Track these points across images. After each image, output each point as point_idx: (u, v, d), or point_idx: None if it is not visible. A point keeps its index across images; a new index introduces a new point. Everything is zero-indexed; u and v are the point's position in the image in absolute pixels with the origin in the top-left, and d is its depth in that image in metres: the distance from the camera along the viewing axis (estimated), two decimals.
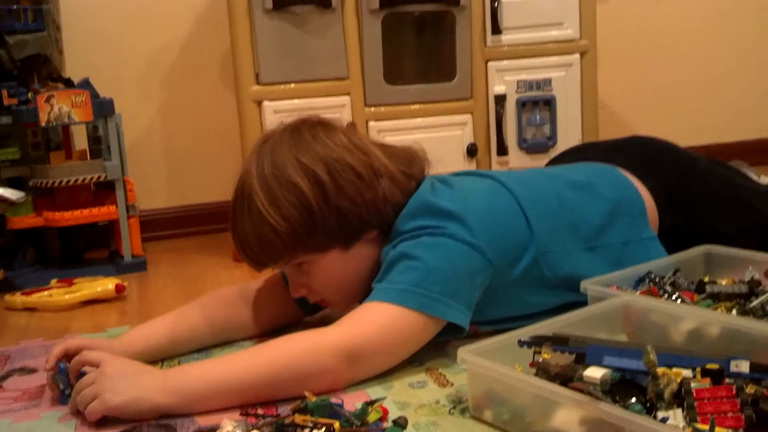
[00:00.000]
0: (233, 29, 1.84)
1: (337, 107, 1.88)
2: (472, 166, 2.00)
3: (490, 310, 1.16)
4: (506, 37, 1.99)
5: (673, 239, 1.30)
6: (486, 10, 1.97)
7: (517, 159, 2.02)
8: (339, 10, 1.87)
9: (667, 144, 1.43)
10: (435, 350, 1.11)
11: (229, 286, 1.31)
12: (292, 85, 1.85)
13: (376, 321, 1.04)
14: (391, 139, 1.85)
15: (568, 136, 2.02)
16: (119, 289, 1.63)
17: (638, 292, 1.13)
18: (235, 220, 1.12)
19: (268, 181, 1.09)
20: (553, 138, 2.02)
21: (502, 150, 2.01)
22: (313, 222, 1.09)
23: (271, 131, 1.18)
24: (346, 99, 1.90)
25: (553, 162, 1.54)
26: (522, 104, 2.01)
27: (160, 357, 1.19)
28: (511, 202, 1.19)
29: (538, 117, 2.02)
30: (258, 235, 1.09)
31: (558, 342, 0.92)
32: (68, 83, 1.89)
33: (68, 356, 1.08)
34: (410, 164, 1.19)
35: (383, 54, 1.91)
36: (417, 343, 1.07)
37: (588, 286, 1.12)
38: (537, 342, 0.93)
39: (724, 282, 1.16)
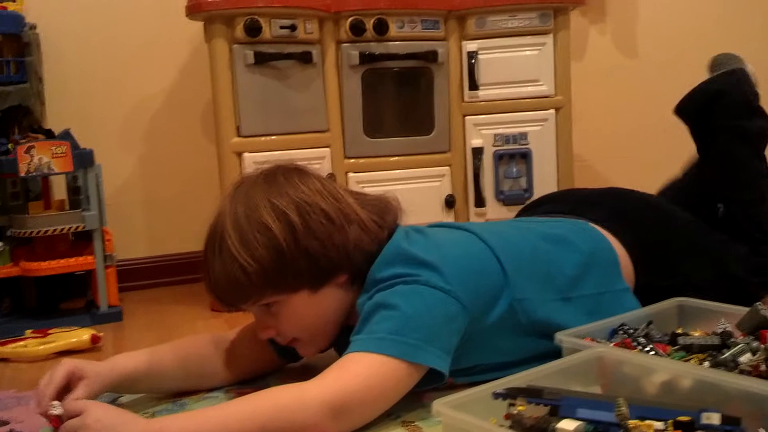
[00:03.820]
0: (215, 83, 1.87)
1: (317, 159, 1.90)
2: (450, 218, 2.03)
3: (468, 358, 1.16)
4: (483, 93, 2.04)
5: (648, 294, 1.32)
6: (463, 67, 2.02)
7: (494, 211, 2.05)
8: (320, 65, 1.91)
9: (642, 197, 1.46)
10: (411, 402, 1.11)
11: (203, 334, 1.31)
12: (273, 137, 1.87)
13: (358, 372, 1.03)
14: (370, 191, 1.88)
15: (544, 188, 2.05)
16: (94, 340, 1.61)
17: (612, 344, 1.14)
18: (206, 260, 1.13)
19: (240, 221, 1.10)
20: (529, 190, 2.05)
21: (480, 202, 2.04)
22: (283, 263, 1.09)
23: (246, 175, 1.20)
24: (326, 151, 1.93)
25: (526, 210, 1.57)
26: (499, 157, 2.04)
27: (141, 385, 1.19)
28: (486, 250, 1.20)
29: (514, 170, 2.05)
30: (228, 275, 1.10)
31: (532, 394, 0.92)
32: (49, 134, 1.91)
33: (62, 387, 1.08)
34: (383, 213, 1.20)
35: (363, 108, 1.95)
36: (400, 391, 1.07)
37: (562, 337, 1.13)
38: (512, 394, 0.93)
39: (696, 334, 1.17)
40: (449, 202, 2.02)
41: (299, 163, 1.21)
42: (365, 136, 1.96)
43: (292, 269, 1.10)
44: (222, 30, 1.84)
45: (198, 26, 1.95)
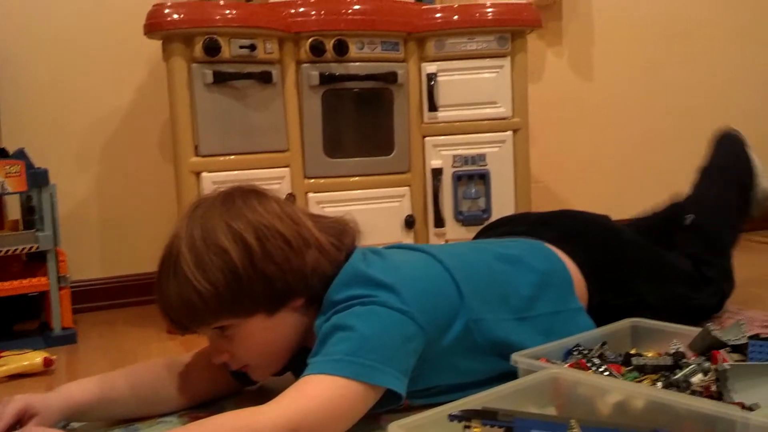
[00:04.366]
0: (173, 102, 1.86)
1: (276, 179, 1.90)
2: (410, 238, 2.03)
3: (425, 379, 1.16)
4: (442, 114, 2.05)
5: (602, 313, 1.34)
6: (423, 88, 2.03)
7: (453, 231, 2.06)
8: (279, 85, 1.91)
9: (593, 218, 1.49)
10: (368, 424, 1.11)
11: (156, 359, 1.29)
12: (232, 157, 1.86)
13: (314, 394, 1.03)
14: (330, 211, 1.89)
15: (503, 209, 2.07)
16: (47, 363, 1.58)
17: (567, 365, 1.15)
18: (161, 283, 1.11)
19: (196, 244, 1.09)
20: (487, 211, 2.07)
21: (439, 222, 2.05)
22: (239, 286, 1.09)
23: (203, 197, 1.19)
24: (285, 171, 1.92)
25: (484, 231, 1.58)
26: (458, 178, 2.06)
27: (93, 414, 1.17)
28: (442, 271, 1.21)
29: (473, 190, 2.07)
30: (183, 297, 1.09)
31: (487, 416, 0.93)
32: (3, 153, 1.87)
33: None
34: (341, 235, 1.20)
35: (323, 128, 1.95)
36: (357, 413, 1.06)
37: (518, 358, 1.14)
38: (467, 416, 0.94)
39: (649, 354, 1.19)
40: (409, 223, 2.03)
41: (257, 185, 1.21)
42: (325, 157, 1.96)
43: (248, 293, 1.10)
44: (180, 49, 1.83)
45: (156, 45, 1.94)
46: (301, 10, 1.92)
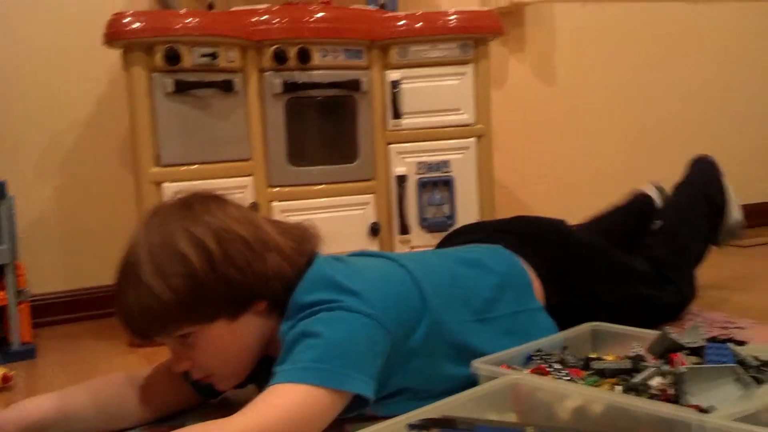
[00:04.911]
0: (134, 111, 1.84)
1: (239, 188, 1.88)
2: (375, 245, 2.03)
3: (391, 383, 1.16)
4: (406, 121, 2.06)
5: (560, 314, 1.35)
6: (386, 96, 2.04)
7: (418, 238, 2.07)
8: (242, 94, 1.90)
9: (548, 222, 1.51)
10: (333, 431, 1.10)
11: (117, 372, 1.27)
12: (194, 167, 1.85)
13: (282, 403, 1.02)
14: (294, 220, 1.87)
15: (467, 215, 2.08)
16: (5, 379, 1.55)
17: (528, 370, 1.15)
18: (120, 292, 1.10)
19: (155, 250, 1.08)
20: (452, 217, 2.08)
21: (404, 229, 2.05)
22: (200, 292, 1.07)
23: (161, 204, 1.18)
24: (248, 180, 1.91)
25: (445, 240, 1.60)
26: (422, 185, 2.06)
27: (52, 430, 1.14)
28: (405, 276, 1.22)
29: (437, 197, 2.07)
30: (143, 306, 1.07)
31: (446, 424, 0.93)
32: None
33: None
34: (302, 241, 1.20)
35: (286, 136, 1.94)
36: (325, 420, 1.05)
37: (478, 365, 1.14)
38: (425, 425, 0.93)
39: (609, 358, 1.20)
40: (374, 230, 2.03)
41: (217, 191, 1.20)
42: (289, 165, 1.95)
43: (209, 298, 1.09)
44: (141, 58, 1.81)
45: (116, 55, 1.92)
46: (264, 18, 1.91)
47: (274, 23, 1.91)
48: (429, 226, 2.07)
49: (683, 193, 1.84)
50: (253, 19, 1.91)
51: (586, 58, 2.69)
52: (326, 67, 1.96)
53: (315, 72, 1.95)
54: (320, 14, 1.95)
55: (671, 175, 1.93)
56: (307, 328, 1.08)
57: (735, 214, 1.84)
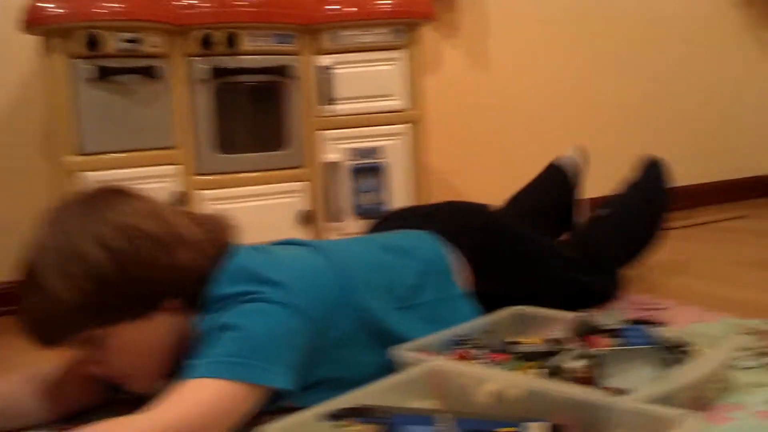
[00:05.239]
0: (53, 99, 1.77)
1: (165, 177, 1.84)
2: (307, 233, 2.01)
3: (315, 372, 1.15)
4: (338, 107, 2.03)
5: (490, 301, 1.35)
6: (318, 81, 2.01)
7: (350, 225, 2.05)
8: (167, 80, 1.85)
9: (476, 207, 1.51)
10: (250, 425, 1.08)
11: (17, 372, 1.22)
12: (117, 155, 1.80)
13: (194, 399, 1.00)
14: (224, 208, 1.85)
15: (400, 201, 2.07)
16: None
17: (450, 356, 1.15)
18: (22, 297, 1.06)
19: (56, 252, 1.04)
20: (385, 204, 2.07)
21: (337, 216, 2.04)
22: (106, 293, 1.04)
23: (62, 201, 1.14)
24: (174, 168, 1.86)
25: (374, 226, 1.59)
26: (355, 172, 2.05)
27: None
28: (327, 264, 1.20)
29: (370, 184, 2.06)
30: (45, 311, 1.04)
31: (363, 413, 0.92)
32: None
33: None
34: (216, 231, 1.17)
35: (214, 123, 1.90)
36: (241, 415, 1.03)
37: (399, 351, 1.13)
38: (343, 414, 0.93)
39: (531, 341, 1.20)
40: (306, 218, 2.01)
41: (122, 184, 1.16)
42: (217, 153, 1.91)
43: (117, 298, 1.05)
44: (61, 44, 1.75)
45: (35, 41, 1.85)
46: (191, 2, 1.86)
47: (202, 7, 1.86)
48: (362, 213, 2.06)
49: (633, 193, 1.86)
50: (180, 3, 1.86)
51: (520, 44, 2.70)
52: (256, 52, 1.92)
53: (244, 57, 1.91)
54: None
55: (604, 159, 1.96)
56: (223, 320, 1.06)
57: None
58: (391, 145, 2.08)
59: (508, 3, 2.67)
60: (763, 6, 3.09)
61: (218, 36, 1.87)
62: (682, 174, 2.93)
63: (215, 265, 1.13)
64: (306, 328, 1.10)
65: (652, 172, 1.89)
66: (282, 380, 1.05)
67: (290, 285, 1.10)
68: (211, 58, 1.88)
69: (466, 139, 2.63)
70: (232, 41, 1.88)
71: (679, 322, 1.48)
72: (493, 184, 2.58)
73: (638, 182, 1.88)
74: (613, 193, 1.89)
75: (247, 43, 1.91)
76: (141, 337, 1.10)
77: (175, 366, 1.14)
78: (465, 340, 1.19)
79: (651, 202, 1.84)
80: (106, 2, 1.76)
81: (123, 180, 1.68)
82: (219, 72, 1.89)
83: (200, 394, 1.00)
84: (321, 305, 1.13)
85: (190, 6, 1.86)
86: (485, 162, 2.66)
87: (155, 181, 1.79)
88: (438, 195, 2.18)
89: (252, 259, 1.15)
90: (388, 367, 1.14)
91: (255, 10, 1.91)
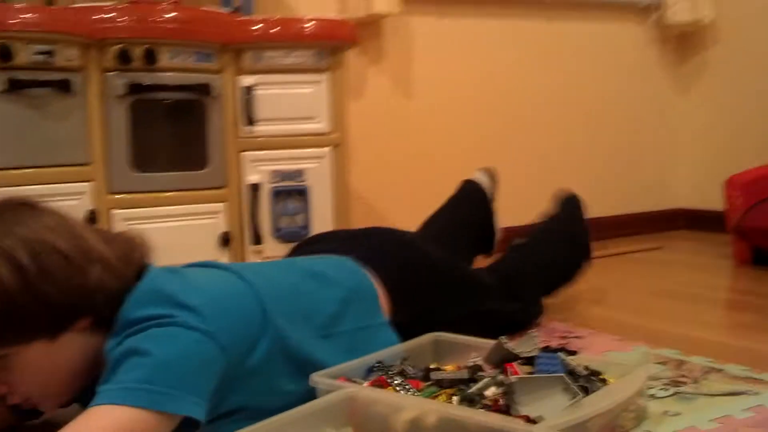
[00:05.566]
0: None
1: (77, 194, 1.78)
2: (226, 256, 1.97)
3: (230, 401, 1.11)
4: (260, 128, 2.01)
5: (407, 329, 1.34)
6: (239, 101, 1.98)
7: (272, 248, 2.02)
8: (81, 94, 1.79)
9: (400, 235, 1.50)
10: None
11: None
12: (27, 171, 1.73)
13: (102, 427, 0.95)
14: (140, 228, 1.79)
15: (322, 225, 2.05)
16: None
17: (368, 383, 1.14)
18: None
19: None
20: (307, 227, 2.05)
21: (257, 239, 2.00)
22: (12, 312, 0.98)
23: None
24: (87, 186, 1.80)
25: (295, 250, 1.56)
26: (276, 194, 2.02)
27: None
28: (245, 290, 1.17)
29: (292, 207, 2.04)
30: None
31: None
32: None
33: None
34: (128, 250, 1.13)
35: (130, 140, 1.85)
36: None
37: (317, 378, 1.11)
38: None
39: (448, 368, 1.20)
40: (225, 240, 1.97)
41: (30, 197, 1.11)
42: (132, 171, 1.86)
43: (24, 318, 1.00)
44: None
45: None
46: (109, 15, 1.82)
47: (120, 21, 1.82)
48: (283, 237, 2.03)
49: (550, 226, 1.90)
50: (97, 17, 1.81)
51: (443, 71, 2.73)
52: (175, 69, 1.89)
53: (162, 74, 1.87)
54: (170, 14, 1.88)
55: (523, 189, 1.99)
56: (134, 344, 1.02)
57: None
58: (313, 168, 2.06)
59: (432, 31, 2.70)
60: (678, 43, 3.22)
61: (136, 51, 1.82)
62: (600, 206, 3.03)
63: (127, 285, 1.08)
64: (220, 356, 1.06)
65: (569, 206, 1.93)
66: (193, 409, 1.01)
67: (205, 310, 1.07)
68: (128, 73, 1.84)
69: (389, 164, 2.64)
70: (150, 57, 1.84)
71: (595, 351, 1.51)
72: (414, 208, 2.59)
73: (556, 215, 1.91)
74: (531, 224, 1.92)
75: (166, 59, 1.87)
76: (48, 359, 1.04)
77: (89, 389, 1.09)
78: (383, 367, 1.18)
79: (569, 235, 1.87)
80: (21, 12, 1.70)
81: (33, 197, 1.61)
82: (136, 88, 1.84)
83: (106, 421, 0.96)
84: (237, 333, 1.10)
85: (108, 20, 1.81)
86: (407, 187, 2.67)
87: (67, 198, 1.73)
88: (360, 219, 2.18)
89: (166, 282, 1.11)
90: (306, 396, 1.11)
91: (175, 26, 1.87)
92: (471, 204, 1.96)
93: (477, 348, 1.25)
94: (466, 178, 2.07)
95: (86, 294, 1.04)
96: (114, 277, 1.07)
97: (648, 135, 3.22)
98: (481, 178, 2.02)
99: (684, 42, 3.21)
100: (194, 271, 1.22)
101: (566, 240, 1.87)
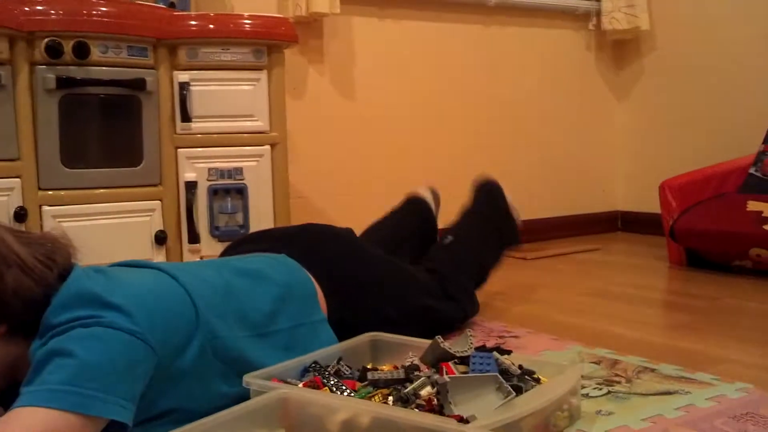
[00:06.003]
0: None
1: (5, 190, 1.72)
2: (161, 255, 1.92)
3: (160, 403, 1.08)
4: (197, 125, 1.97)
5: (344, 329, 1.33)
6: (175, 98, 1.94)
7: (209, 247, 1.98)
8: (10, 88, 1.73)
9: (336, 233, 1.48)
10: None
11: None
12: None
13: (25, 427, 0.91)
14: (71, 225, 1.74)
15: (261, 223, 2.02)
16: None
17: (302, 383, 1.12)
18: None
19: None
20: (245, 226, 2.02)
21: (194, 238, 1.96)
22: None
23: None
24: (16, 182, 1.74)
25: (228, 249, 1.53)
26: (214, 192, 1.98)
27: None
28: (176, 289, 1.14)
29: (230, 205, 2.00)
30: None
31: None
32: None
33: None
34: (50, 252, 1.08)
35: (61, 135, 1.80)
36: None
37: (249, 380, 1.09)
38: None
39: (385, 368, 1.19)
40: (160, 239, 1.92)
41: None
42: (63, 166, 1.80)
43: None
44: None
45: None
46: (39, 8, 1.76)
47: (50, 14, 1.77)
48: (220, 235, 1.99)
49: (472, 219, 1.90)
50: (26, 9, 1.75)
51: (383, 71, 2.73)
52: (107, 63, 1.84)
53: (94, 68, 1.82)
54: (102, 8, 1.83)
55: (465, 185, 1.99)
56: (58, 345, 0.98)
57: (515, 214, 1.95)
58: (252, 166, 2.03)
59: (373, 32, 2.70)
60: (615, 50, 3.28)
61: (66, 45, 1.77)
62: (540, 208, 3.08)
63: (50, 288, 1.04)
64: (147, 358, 1.03)
65: (490, 196, 1.94)
66: (119, 412, 0.98)
67: (133, 311, 1.03)
68: (59, 67, 1.78)
69: (330, 164, 2.62)
70: (80, 51, 1.78)
71: (531, 350, 1.52)
72: (354, 207, 2.59)
73: (474, 205, 1.92)
74: (453, 221, 1.92)
75: (97, 53, 1.82)
76: None
77: (11, 395, 1.05)
78: (319, 367, 1.16)
79: (495, 227, 1.88)
80: None
81: None
82: (66, 82, 1.79)
83: (31, 424, 0.92)
84: (166, 334, 1.07)
85: (38, 12, 1.76)
86: (347, 186, 2.66)
87: None
88: (300, 218, 2.15)
89: (91, 282, 1.07)
90: (240, 398, 1.09)
91: (108, 20, 1.83)
92: (418, 218, 1.95)
93: (414, 347, 1.25)
94: (411, 183, 2.07)
95: (2, 299, 1.00)
96: (33, 280, 1.03)
97: (587, 139, 3.27)
98: (427, 196, 2.02)
99: (622, 49, 3.28)
100: (122, 270, 1.18)
101: (493, 233, 1.88)
